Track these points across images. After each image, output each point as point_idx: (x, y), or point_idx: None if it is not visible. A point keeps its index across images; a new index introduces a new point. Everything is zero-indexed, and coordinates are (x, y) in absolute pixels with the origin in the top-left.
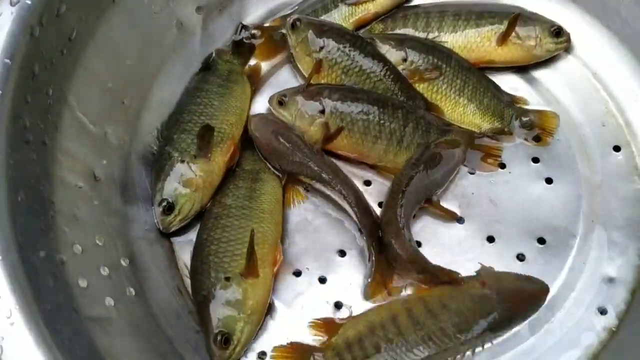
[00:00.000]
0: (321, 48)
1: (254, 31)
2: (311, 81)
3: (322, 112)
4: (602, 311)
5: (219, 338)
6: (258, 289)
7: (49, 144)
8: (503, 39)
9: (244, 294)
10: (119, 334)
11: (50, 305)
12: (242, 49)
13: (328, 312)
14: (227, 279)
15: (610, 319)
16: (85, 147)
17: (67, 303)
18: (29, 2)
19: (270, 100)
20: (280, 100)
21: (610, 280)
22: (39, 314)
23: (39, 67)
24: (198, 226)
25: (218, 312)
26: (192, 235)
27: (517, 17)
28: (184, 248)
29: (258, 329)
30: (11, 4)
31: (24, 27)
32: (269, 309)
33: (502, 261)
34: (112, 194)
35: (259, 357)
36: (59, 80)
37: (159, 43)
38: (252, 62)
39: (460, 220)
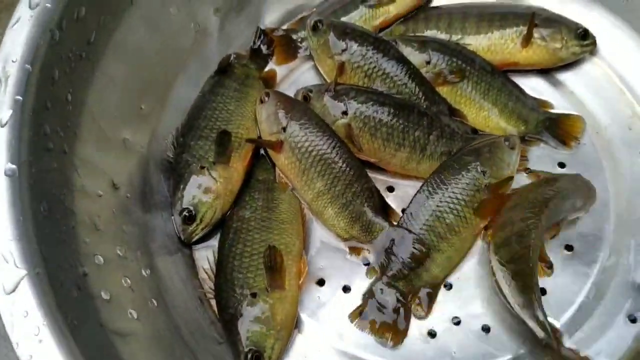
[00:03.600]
0: (343, 50)
1: (271, 36)
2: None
3: (345, 113)
4: (633, 319)
5: (249, 356)
6: (285, 303)
7: (68, 152)
8: (526, 40)
9: (272, 310)
10: (143, 347)
11: (77, 320)
12: (259, 54)
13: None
14: (254, 295)
15: None
16: (104, 154)
17: (92, 317)
18: (49, 5)
19: (295, 94)
20: (306, 95)
21: None
22: (67, 330)
23: (59, 72)
24: (218, 233)
25: (246, 330)
26: (212, 242)
27: (534, 16)
28: (205, 256)
29: (288, 343)
30: (30, 7)
31: (44, 31)
32: (296, 322)
33: None
34: (131, 202)
35: None
36: (78, 85)
37: (176, 45)
38: (269, 66)
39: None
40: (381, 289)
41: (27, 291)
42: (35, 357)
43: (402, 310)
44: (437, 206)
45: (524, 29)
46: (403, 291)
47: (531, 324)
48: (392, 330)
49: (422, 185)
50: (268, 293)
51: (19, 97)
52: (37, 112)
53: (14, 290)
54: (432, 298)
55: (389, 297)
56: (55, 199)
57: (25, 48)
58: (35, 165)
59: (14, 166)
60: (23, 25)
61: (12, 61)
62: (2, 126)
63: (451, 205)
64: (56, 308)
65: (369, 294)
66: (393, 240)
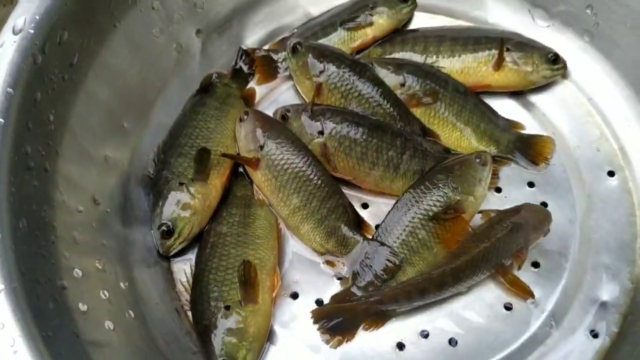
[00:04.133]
0: (321, 72)
1: (252, 56)
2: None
3: (322, 132)
4: (595, 334)
5: None
6: (258, 316)
7: (49, 170)
8: (498, 63)
9: (245, 322)
10: (119, 357)
11: (52, 331)
12: (241, 74)
13: None
14: (227, 307)
15: (602, 342)
16: (86, 171)
17: (68, 328)
18: (32, 32)
19: (274, 114)
20: (284, 114)
21: (603, 303)
22: (41, 342)
23: (41, 94)
24: (196, 247)
25: (220, 341)
26: (189, 256)
27: (503, 41)
28: (182, 269)
29: (260, 355)
30: (14, 33)
31: (26, 56)
32: (269, 335)
33: (496, 283)
34: (111, 217)
35: None
36: (60, 105)
37: (158, 66)
38: (249, 85)
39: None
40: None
41: (3, 305)
42: None
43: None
44: (410, 221)
45: (496, 53)
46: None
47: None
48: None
49: (396, 202)
50: (242, 306)
51: (1, 120)
52: (18, 134)
53: None
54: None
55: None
56: (35, 215)
57: (7, 72)
58: (15, 184)
59: None
60: (6, 50)
61: None
62: None
63: (423, 222)
64: (32, 320)
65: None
66: (367, 253)
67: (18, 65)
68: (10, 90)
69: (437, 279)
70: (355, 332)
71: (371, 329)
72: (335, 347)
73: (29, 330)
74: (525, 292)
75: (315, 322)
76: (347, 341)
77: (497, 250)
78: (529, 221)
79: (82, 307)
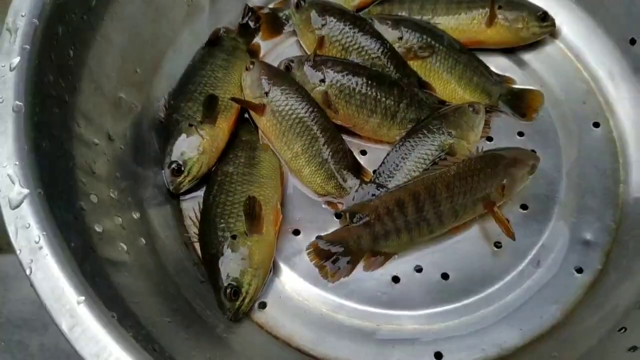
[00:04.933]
0: (323, 25)
1: (258, 13)
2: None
3: (323, 81)
4: (579, 270)
5: (228, 291)
6: (263, 245)
7: (69, 101)
8: (490, 19)
9: (250, 250)
10: (132, 275)
11: (73, 240)
12: (247, 29)
13: None
14: (234, 237)
15: (586, 277)
16: (101, 109)
17: (86, 242)
18: None
19: (279, 65)
20: (288, 65)
21: (587, 242)
22: (63, 243)
23: (62, 29)
24: (203, 187)
25: (227, 267)
26: (197, 195)
27: None
28: (191, 207)
29: (265, 282)
30: None
31: None
32: (273, 267)
33: (487, 223)
34: (125, 153)
35: (259, 307)
36: (79, 43)
37: (170, 17)
38: (254, 41)
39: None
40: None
41: (29, 207)
42: (35, 261)
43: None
44: (406, 164)
45: (489, 11)
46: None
47: None
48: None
49: (394, 145)
50: (247, 236)
51: (27, 46)
52: (42, 62)
53: (18, 206)
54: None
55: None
56: (56, 140)
57: (32, 4)
58: (38, 106)
59: (20, 103)
60: None
61: (22, 15)
62: (11, 70)
63: (419, 164)
64: (55, 223)
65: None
66: (364, 194)
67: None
68: (35, 20)
69: (410, 188)
70: (353, 268)
71: (371, 268)
72: (334, 282)
73: (53, 230)
74: (507, 231)
75: (312, 260)
76: (345, 276)
77: (472, 173)
78: (510, 155)
79: (98, 228)
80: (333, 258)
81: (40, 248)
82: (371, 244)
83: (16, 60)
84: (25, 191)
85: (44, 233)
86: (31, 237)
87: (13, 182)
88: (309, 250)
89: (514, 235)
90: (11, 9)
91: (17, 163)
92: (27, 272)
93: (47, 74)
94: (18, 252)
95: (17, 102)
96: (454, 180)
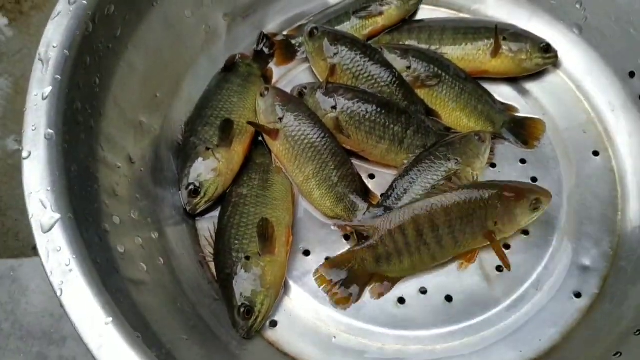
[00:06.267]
0: (335, 54)
1: (273, 40)
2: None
3: (335, 108)
4: (577, 295)
5: (242, 310)
6: (275, 266)
7: (94, 127)
8: (495, 51)
9: (263, 271)
10: (151, 294)
11: (100, 260)
12: (261, 56)
13: None
14: (247, 258)
15: (584, 302)
16: (124, 133)
17: (110, 263)
18: (85, 2)
19: (292, 91)
20: (301, 91)
21: (585, 268)
22: (92, 265)
23: (90, 58)
24: (218, 208)
25: (240, 287)
26: (213, 216)
27: (497, 28)
28: (206, 227)
29: (276, 302)
30: (69, 3)
31: (80, 23)
32: (284, 286)
33: (489, 250)
34: (144, 175)
35: (270, 325)
36: (104, 71)
37: (189, 43)
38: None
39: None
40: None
41: (60, 231)
42: (66, 283)
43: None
44: (413, 189)
45: (494, 42)
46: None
47: None
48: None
49: (401, 170)
50: (260, 257)
51: (58, 76)
52: (71, 91)
53: (50, 230)
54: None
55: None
56: (82, 164)
57: (64, 36)
58: (68, 134)
59: (52, 131)
60: (63, 17)
61: (53, 46)
62: (44, 99)
63: (425, 189)
64: (84, 245)
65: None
66: (372, 217)
67: (73, 31)
68: (66, 52)
69: (411, 212)
70: (362, 291)
71: (378, 294)
72: (346, 309)
73: (82, 254)
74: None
75: (320, 285)
76: (355, 301)
77: (470, 201)
78: (510, 187)
79: (120, 249)
80: (340, 283)
81: (71, 270)
82: (375, 266)
83: (48, 89)
84: (57, 216)
85: (74, 256)
86: (62, 260)
87: (45, 207)
88: (316, 277)
89: (510, 266)
90: (44, 39)
91: (49, 189)
92: (58, 293)
93: (76, 101)
94: (49, 274)
95: (49, 130)
96: (452, 206)
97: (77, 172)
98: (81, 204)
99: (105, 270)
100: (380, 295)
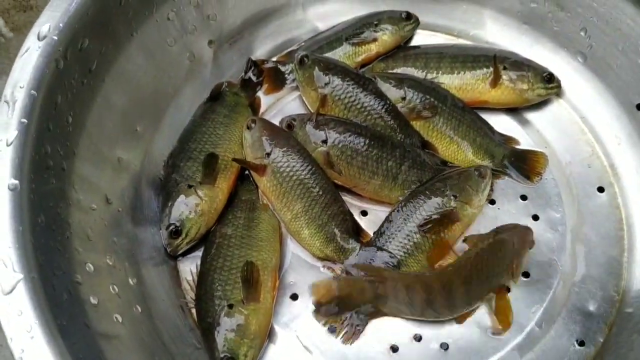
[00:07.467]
0: (326, 84)
1: (261, 67)
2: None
3: (325, 141)
4: (581, 343)
5: None
6: (260, 315)
7: (66, 169)
8: (495, 81)
9: (247, 320)
10: (126, 349)
11: (66, 320)
12: (249, 84)
13: (323, 335)
14: (230, 305)
15: (588, 351)
16: (100, 171)
17: (80, 319)
18: (55, 38)
19: (280, 122)
20: (290, 123)
21: (589, 314)
22: (56, 329)
23: (61, 97)
24: (202, 248)
25: (222, 337)
26: (195, 255)
27: (495, 57)
28: (188, 268)
29: (261, 352)
30: (39, 39)
31: (49, 61)
32: (269, 333)
33: None
34: (122, 216)
35: None
36: (78, 108)
37: (172, 73)
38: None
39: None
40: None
41: (22, 293)
42: (27, 351)
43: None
44: (407, 226)
45: (493, 72)
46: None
47: None
48: (350, 332)
49: (395, 206)
50: (244, 305)
51: (24, 120)
52: (40, 134)
53: (10, 292)
54: None
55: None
56: (52, 212)
57: (31, 76)
58: (35, 182)
59: (16, 181)
60: (31, 55)
61: (20, 87)
62: (8, 145)
63: (420, 226)
64: (47, 309)
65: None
66: (364, 260)
67: (41, 70)
68: (33, 92)
69: (424, 279)
70: (362, 329)
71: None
72: (350, 342)
73: (45, 318)
74: (504, 322)
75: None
76: (354, 334)
77: (486, 262)
78: (514, 236)
79: (93, 300)
80: (345, 318)
81: (32, 338)
82: (373, 299)
83: (14, 134)
84: (19, 276)
85: (37, 321)
86: (23, 326)
87: (6, 266)
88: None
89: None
90: (10, 79)
91: (10, 246)
92: None
93: (45, 145)
94: (10, 340)
95: (12, 180)
96: (470, 273)
97: (44, 222)
98: (48, 258)
99: (72, 332)
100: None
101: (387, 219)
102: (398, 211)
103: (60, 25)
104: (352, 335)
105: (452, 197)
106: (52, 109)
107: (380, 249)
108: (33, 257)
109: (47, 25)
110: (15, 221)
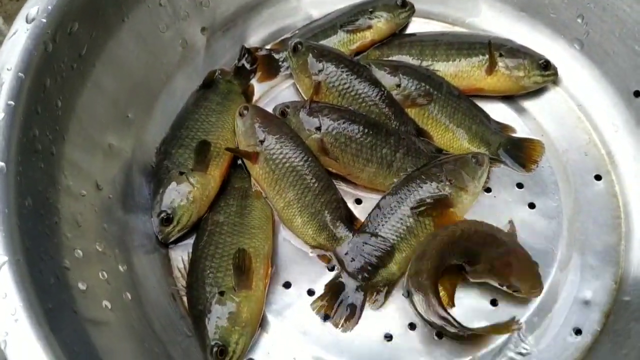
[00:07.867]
0: (320, 71)
1: (255, 55)
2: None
3: (319, 128)
4: (577, 332)
5: (214, 350)
6: (251, 302)
7: (56, 154)
8: (490, 68)
9: (238, 307)
10: (115, 336)
11: (52, 305)
12: (243, 71)
13: (316, 323)
14: (222, 293)
15: (585, 340)
16: (90, 157)
17: (67, 304)
18: (44, 20)
19: (274, 110)
20: (284, 111)
21: (586, 302)
22: (41, 313)
23: (50, 80)
24: (194, 235)
25: (213, 325)
26: (187, 243)
27: (490, 44)
28: (180, 256)
29: (253, 340)
30: (27, 21)
31: (38, 43)
32: (261, 322)
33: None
34: (113, 202)
35: None
36: (68, 93)
37: (164, 60)
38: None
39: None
40: (343, 282)
41: (7, 276)
42: (11, 334)
43: (359, 301)
44: (400, 210)
45: (489, 59)
46: (362, 285)
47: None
48: (345, 317)
49: (389, 190)
50: (235, 292)
51: (11, 102)
52: (27, 116)
53: None
54: (388, 293)
55: (349, 288)
56: (40, 196)
57: (19, 58)
58: (22, 165)
59: (2, 164)
60: (19, 37)
61: (7, 69)
62: None
63: (413, 211)
64: (33, 293)
65: (330, 284)
66: (356, 247)
67: (30, 52)
68: (21, 74)
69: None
70: (359, 312)
71: (377, 304)
72: (351, 328)
73: (30, 301)
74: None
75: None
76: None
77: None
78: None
79: (82, 286)
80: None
81: (17, 320)
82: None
83: (0, 116)
84: (4, 258)
85: (21, 304)
86: (7, 309)
87: None
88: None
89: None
90: None
91: None
92: (2, 345)
93: (33, 128)
94: None
95: None
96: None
97: (32, 206)
98: (36, 242)
99: (59, 317)
100: (379, 305)
101: (380, 202)
102: (392, 195)
103: (49, 7)
104: (351, 318)
105: (447, 183)
106: (41, 92)
107: (372, 234)
108: (19, 240)
109: (36, 7)
110: (1, 203)
